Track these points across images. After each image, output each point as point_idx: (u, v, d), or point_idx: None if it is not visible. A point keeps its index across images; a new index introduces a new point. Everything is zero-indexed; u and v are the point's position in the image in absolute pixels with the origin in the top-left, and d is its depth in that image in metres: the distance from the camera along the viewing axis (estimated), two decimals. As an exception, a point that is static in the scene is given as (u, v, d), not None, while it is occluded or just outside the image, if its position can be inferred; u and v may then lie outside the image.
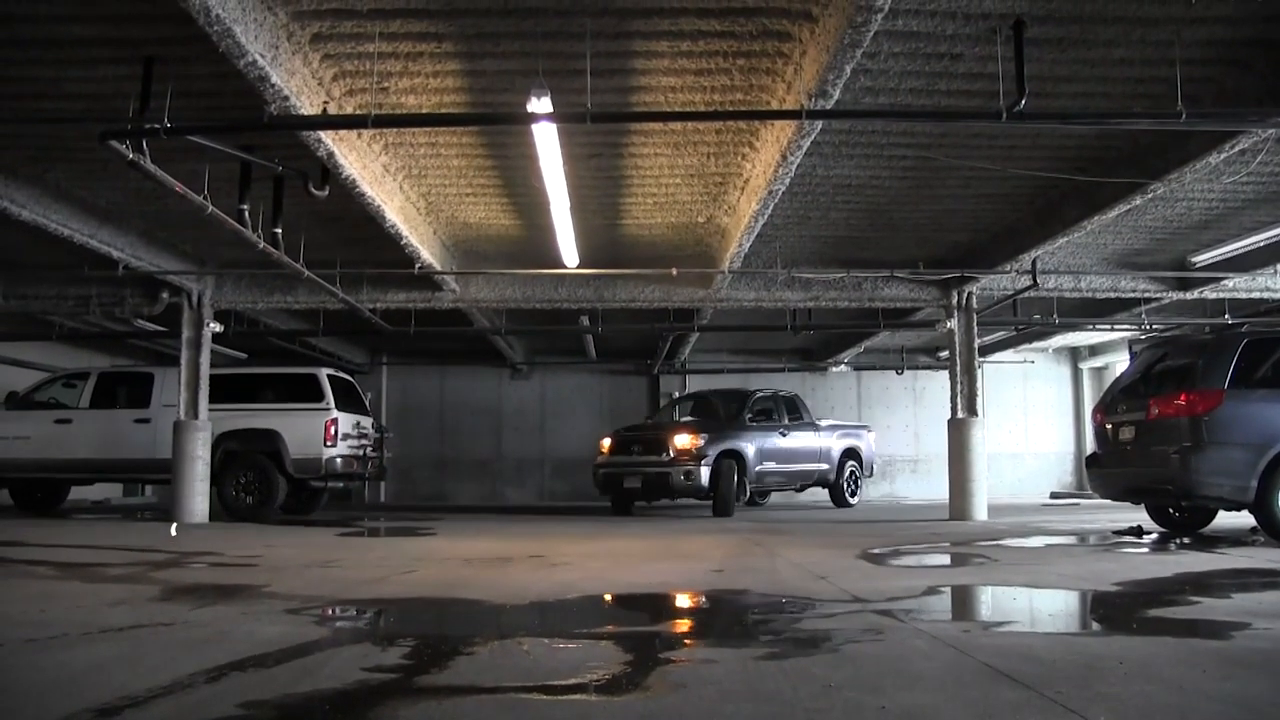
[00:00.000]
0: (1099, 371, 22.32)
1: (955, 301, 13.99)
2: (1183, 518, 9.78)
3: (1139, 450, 9.15)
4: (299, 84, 7.06)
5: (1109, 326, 17.39)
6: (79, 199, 10.61)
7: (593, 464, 15.06)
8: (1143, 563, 7.30)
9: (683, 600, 5.42)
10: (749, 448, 14.75)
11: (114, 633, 4.01)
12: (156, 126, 7.09)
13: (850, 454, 17.21)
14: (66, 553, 7.82)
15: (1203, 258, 13.19)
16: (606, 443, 15.03)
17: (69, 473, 14.08)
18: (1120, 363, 18.70)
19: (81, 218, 10.82)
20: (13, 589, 5.69)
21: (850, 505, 16.94)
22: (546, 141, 7.95)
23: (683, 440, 14.06)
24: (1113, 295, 14.68)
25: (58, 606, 4.83)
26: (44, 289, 13.68)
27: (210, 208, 8.83)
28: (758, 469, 14.93)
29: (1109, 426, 9.81)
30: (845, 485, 17.11)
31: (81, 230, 10.85)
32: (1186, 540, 8.91)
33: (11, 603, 5.01)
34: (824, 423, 17.29)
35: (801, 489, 17.16)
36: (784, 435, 15.73)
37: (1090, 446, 11.29)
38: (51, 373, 15.48)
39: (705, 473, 13.77)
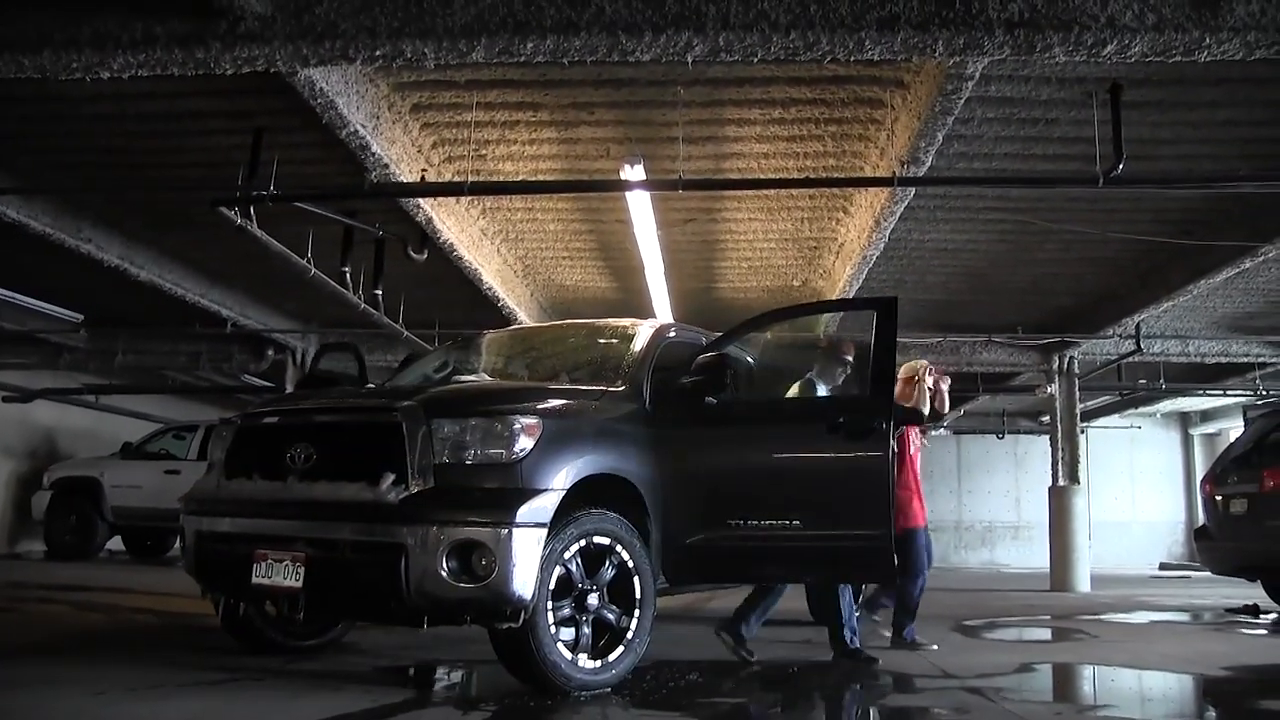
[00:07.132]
0: (1211, 438, 21.47)
1: (1056, 366, 13.71)
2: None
3: (1253, 524, 8.74)
4: (399, 152, 7.32)
5: (1220, 392, 16.74)
6: (192, 260, 11.10)
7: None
8: (1258, 646, 6.95)
9: (761, 670, 5.28)
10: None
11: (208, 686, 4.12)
12: (264, 193, 7.40)
13: None
14: (173, 602, 8.05)
15: (1321, 321, 12.67)
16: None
17: (177, 521, 14.48)
18: (1235, 429, 17.99)
19: (194, 278, 11.36)
20: (116, 635, 5.88)
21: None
22: (640, 207, 8.07)
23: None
24: (1224, 360, 14.15)
25: (153, 659, 4.97)
26: (158, 345, 14.38)
27: (313, 270, 9.16)
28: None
29: (1219, 498, 9.40)
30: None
31: (193, 290, 11.40)
32: (1307, 622, 8.48)
33: (116, 649, 5.18)
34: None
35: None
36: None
37: (1201, 517, 10.83)
38: (164, 425, 16.08)
39: (520, 558, 3.86)
